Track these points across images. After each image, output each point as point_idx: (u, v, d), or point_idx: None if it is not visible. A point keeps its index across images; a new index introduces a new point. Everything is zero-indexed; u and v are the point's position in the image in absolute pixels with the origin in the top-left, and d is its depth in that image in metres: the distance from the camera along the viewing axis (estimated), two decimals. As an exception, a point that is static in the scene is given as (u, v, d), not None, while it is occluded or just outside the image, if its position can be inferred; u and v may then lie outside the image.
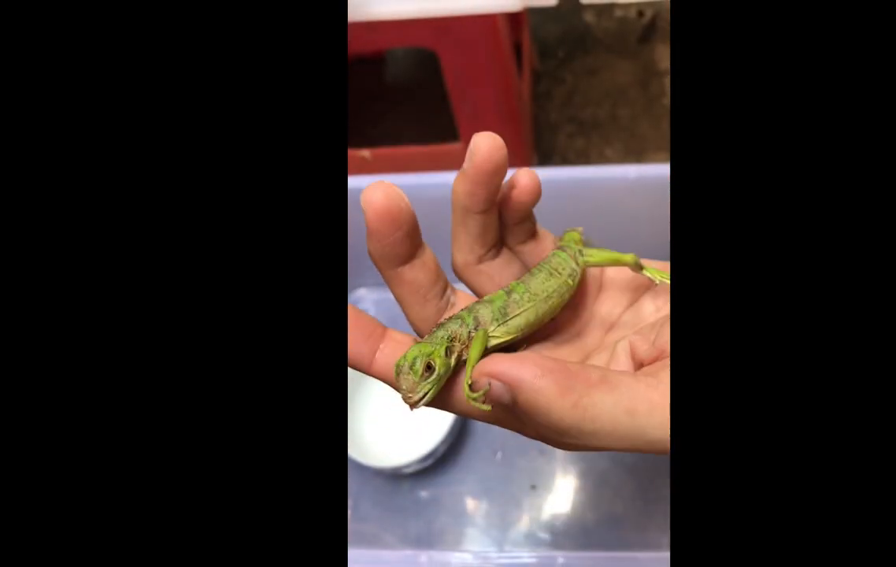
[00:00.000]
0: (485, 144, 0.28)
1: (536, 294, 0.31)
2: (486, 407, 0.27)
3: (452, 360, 0.29)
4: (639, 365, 0.29)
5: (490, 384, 0.26)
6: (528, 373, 0.25)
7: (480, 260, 0.33)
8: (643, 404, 0.25)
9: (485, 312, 0.31)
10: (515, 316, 0.31)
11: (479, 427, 0.73)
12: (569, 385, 0.25)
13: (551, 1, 0.62)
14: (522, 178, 0.31)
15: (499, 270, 0.33)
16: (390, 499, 0.71)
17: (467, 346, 0.30)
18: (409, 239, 0.29)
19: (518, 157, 0.87)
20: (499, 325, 0.31)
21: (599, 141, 1.04)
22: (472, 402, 0.27)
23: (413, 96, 1.03)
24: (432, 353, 0.28)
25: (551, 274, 0.32)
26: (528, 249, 0.35)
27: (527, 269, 0.35)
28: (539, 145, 1.04)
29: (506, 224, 0.33)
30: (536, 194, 0.32)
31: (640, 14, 1.15)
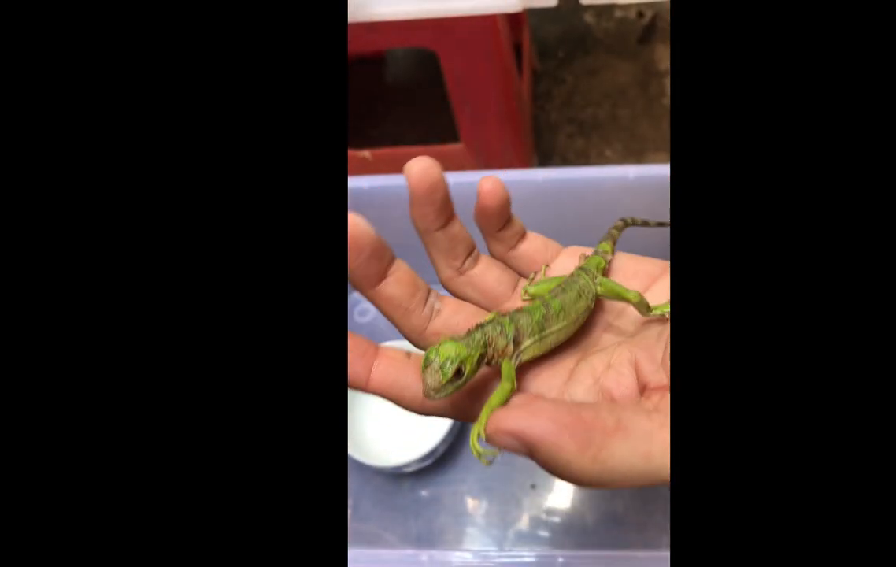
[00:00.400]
0: (415, 168, 0.30)
1: (569, 313, 0.32)
2: (488, 463, 0.28)
3: (482, 366, 0.30)
4: (643, 386, 0.29)
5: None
6: (545, 430, 0.25)
7: (461, 271, 0.34)
8: (658, 446, 0.25)
9: (524, 323, 0.31)
10: (550, 333, 0.31)
11: (480, 427, 0.73)
12: (587, 438, 0.25)
13: (551, 1, 0.62)
14: (484, 185, 0.32)
15: (481, 275, 0.34)
16: (391, 498, 0.71)
17: (501, 355, 0.30)
18: (375, 260, 0.30)
19: (518, 157, 0.87)
20: (535, 341, 0.31)
21: (599, 141, 1.04)
22: (478, 457, 0.27)
23: (413, 97, 1.03)
24: (465, 358, 0.28)
25: (580, 295, 0.32)
26: (520, 253, 0.35)
27: (518, 272, 0.35)
28: (539, 145, 1.04)
29: (490, 233, 0.34)
30: (502, 198, 0.33)
31: (640, 15, 1.15)
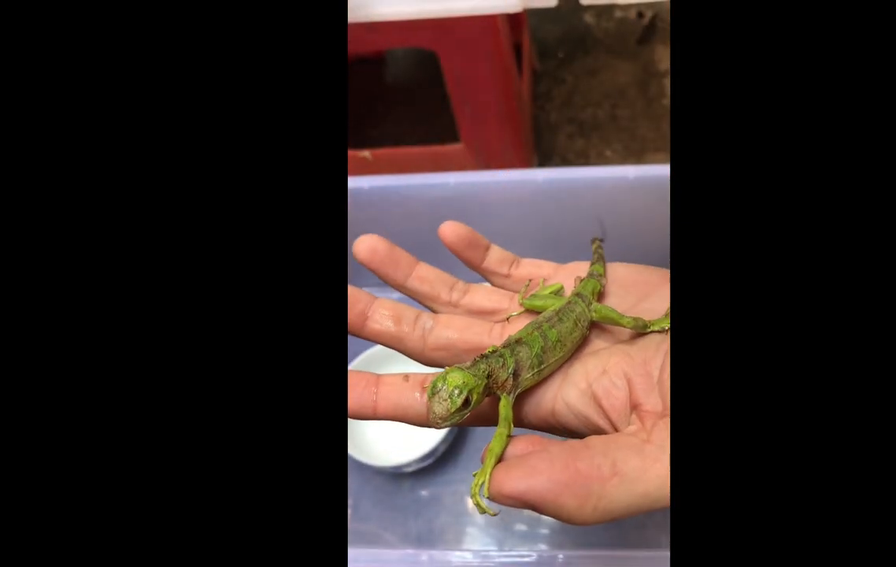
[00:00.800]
0: (360, 247, 0.35)
1: (565, 344, 0.32)
2: (493, 514, 0.28)
3: (485, 396, 0.30)
4: (635, 404, 0.29)
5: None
6: (545, 490, 0.25)
7: (452, 303, 0.36)
8: (654, 481, 0.26)
9: (524, 356, 0.31)
10: (547, 366, 0.31)
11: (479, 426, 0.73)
12: (585, 492, 0.25)
13: (551, 1, 0.62)
14: (443, 230, 0.36)
15: (472, 300, 0.36)
16: (391, 498, 0.71)
17: (500, 388, 0.30)
18: (351, 311, 0.34)
19: (518, 157, 0.87)
20: (533, 374, 0.31)
21: (599, 141, 1.04)
22: (480, 510, 0.28)
23: (413, 97, 1.03)
24: (473, 388, 0.29)
25: (576, 324, 0.33)
26: (514, 280, 0.37)
27: (511, 291, 0.37)
28: (539, 145, 1.04)
29: (476, 267, 0.37)
30: (461, 235, 0.36)
31: (640, 15, 1.15)
